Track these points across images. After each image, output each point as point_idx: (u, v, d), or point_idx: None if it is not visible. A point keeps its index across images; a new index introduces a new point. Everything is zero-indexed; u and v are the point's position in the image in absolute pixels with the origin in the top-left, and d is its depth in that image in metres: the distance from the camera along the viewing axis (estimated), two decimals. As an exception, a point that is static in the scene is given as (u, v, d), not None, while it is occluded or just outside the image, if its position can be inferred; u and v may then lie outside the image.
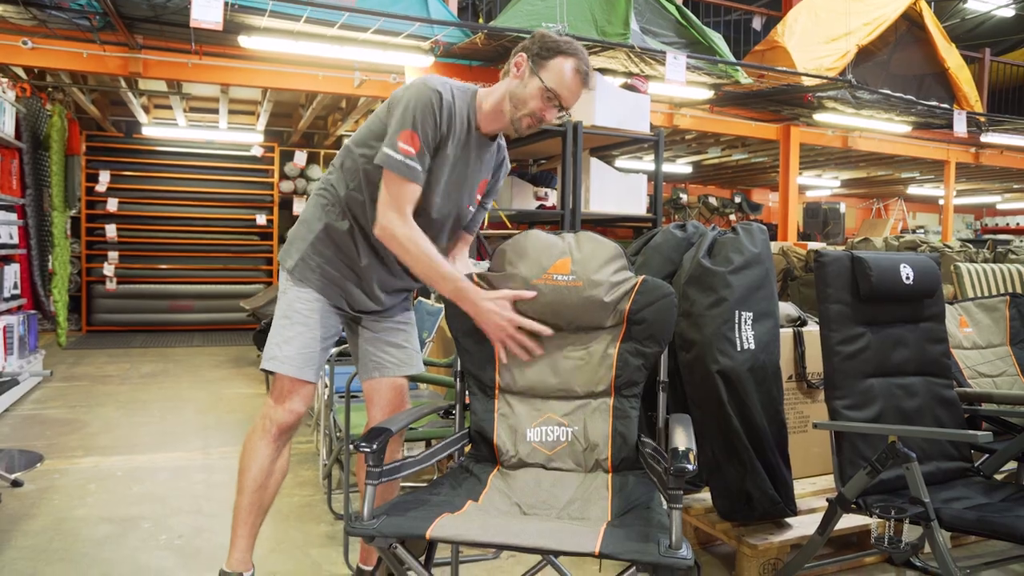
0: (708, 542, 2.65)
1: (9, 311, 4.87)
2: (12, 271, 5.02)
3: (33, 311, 5.34)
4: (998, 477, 2.22)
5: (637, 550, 1.35)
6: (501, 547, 1.38)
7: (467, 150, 1.87)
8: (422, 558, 1.58)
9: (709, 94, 5.87)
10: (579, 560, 2.46)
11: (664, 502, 1.47)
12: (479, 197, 2.02)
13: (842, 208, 12.19)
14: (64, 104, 6.41)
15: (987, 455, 2.32)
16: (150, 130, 7.50)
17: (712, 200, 11.59)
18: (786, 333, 2.86)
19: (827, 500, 2.04)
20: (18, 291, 5.16)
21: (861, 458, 1.98)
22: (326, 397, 2.95)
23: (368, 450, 1.51)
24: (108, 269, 7.66)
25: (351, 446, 2.08)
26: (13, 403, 4.47)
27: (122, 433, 3.89)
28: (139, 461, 3.43)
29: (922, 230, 14.39)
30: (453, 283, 1.79)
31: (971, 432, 1.64)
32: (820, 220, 11.98)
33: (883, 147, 8.46)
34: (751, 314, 2.44)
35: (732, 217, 11.59)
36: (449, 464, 2.31)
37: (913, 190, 12.90)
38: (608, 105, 4.46)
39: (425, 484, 1.94)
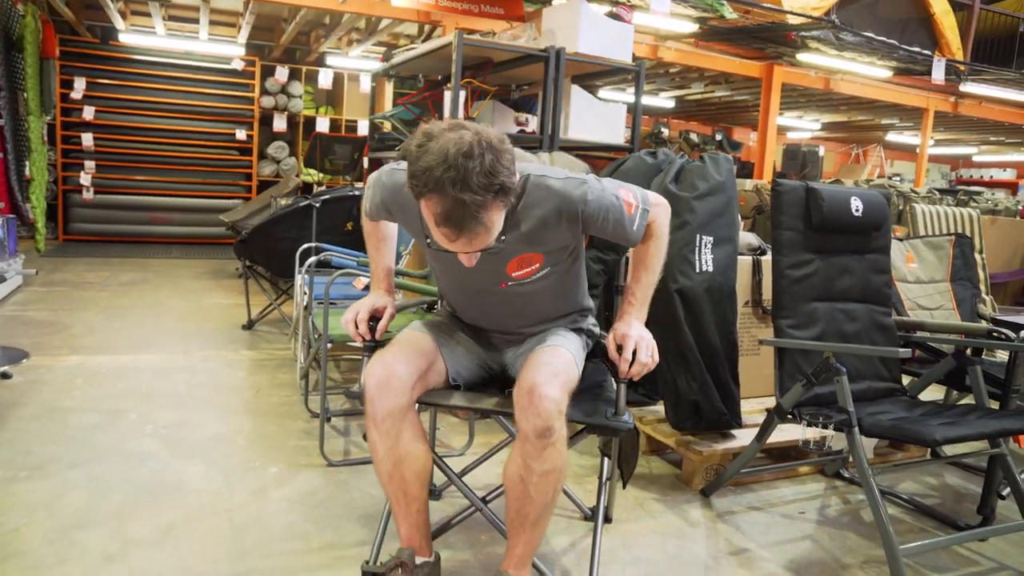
0: (660, 450, 2.86)
1: (-12, 214, 4.88)
2: (-10, 174, 5.01)
3: (11, 215, 5.35)
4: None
5: (588, 415, 1.57)
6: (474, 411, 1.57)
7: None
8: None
9: (694, 27, 5.88)
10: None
11: (614, 383, 1.66)
12: (530, 268, 1.70)
13: (821, 151, 12.26)
14: (37, 5, 6.24)
15: (915, 378, 2.53)
16: (127, 37, 7.33)
17: (693, 136, 11.63)
18: (746, 261, 3.02)
19: (765, 410, 2.23)
20: (-4, 194, 5.16)
21: (800, 373, 2.16)
22: (304, 304, 3.08)
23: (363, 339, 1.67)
24: (85, 179, 7.60)
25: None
26: (-5, 304, 4.55)
27: (105, 335, 4.01)
28: (123, 361, 3.56)
29: (898, 177, 14.57)
30: (372, 273, 1.89)
31: (893, 349, 1.82)
32: (798, 162, 12.08)
33: (864, 91, 8.53)
34: (711, 239, 2.59)
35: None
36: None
37: (892, 137, 13.03)
38: (592, 33, 4.49)
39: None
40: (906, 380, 2.50)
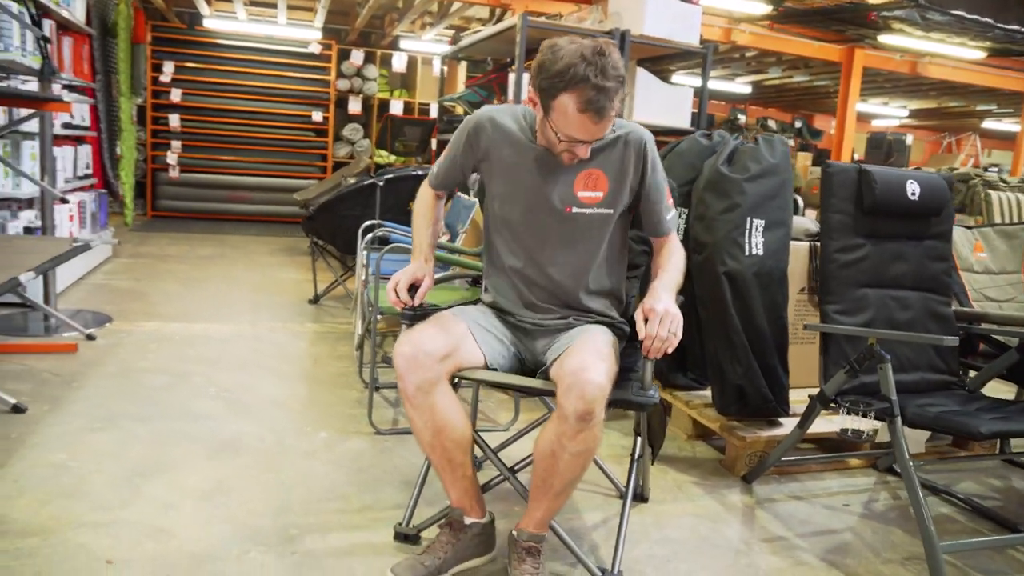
0: (706, 435, 2.84)
1: (83, 188, 5.22)
2: (85, 152, 5.35)
3: (103, 190, 5.70)
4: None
5: (617, 392, 1.60)
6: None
7: (528, 160, 1.78)
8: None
9: (767, 8, 5.71)
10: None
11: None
12: (595, 195, 1.79)
13: (908, 140, 11.72)
14: (131, -9, 6.58)
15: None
16: (211, 22, 7.66)
17: (771, 123, 11.29)
18: (802, 246, 2.94)
19: (808, 396, 2.19)
20: (90, 171, 5.50)
21: (845, 360, 2.11)
22: (363, 279, 3.19)
23: (403, 305, 1.77)
24: (171, 158, 8.00)
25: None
26: (87, 272, 4.87)
27: (181, 304, 4.24)
28: (195, 329, 3.77)
29: (995, 168, 13.76)
30: (415, 245, 1.94)
31: (936, 336, 1.75)
32: (883, 151, 11.56)
33: (956, 75, 8.08)
34: (763, 221, 2.54)
35: (790, 142, 11.30)
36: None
37: (990, 124, 12.31)
38: (658, 14, 4.42)
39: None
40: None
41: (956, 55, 7.05)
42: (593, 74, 1.55)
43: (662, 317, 1.57)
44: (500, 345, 1.85)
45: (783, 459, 2.55)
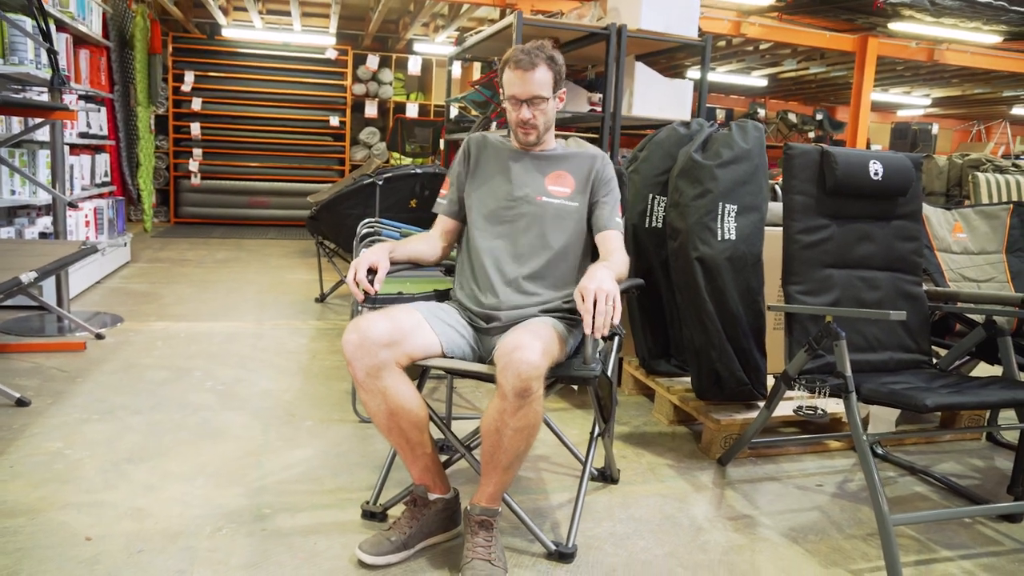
0: (688, 420, 2.87)
1: (100, 195, 5.41)
2: (103, 160, 5.55)
3: (121, 197, 5.90)
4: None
5: (559, 369, 1.69)
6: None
7: (505, 162, 2.06)
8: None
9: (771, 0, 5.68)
10: (561, 424, 2.73)
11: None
12: (564, 190, 2.03)
13: (934, 129, 11.50)
14: (148, 5, 6.80)
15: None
16: (229, 31, 7.86)
17: (791, 116, 11.17)
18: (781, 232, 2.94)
19: (773, 376, 2.21)
20: (108, 178, 5.70)
21: (807, 339, 2.12)
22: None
23: (363, 293, 1.82)
24: (193, 165, 8.23)
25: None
26: (104, 276, 5.05)
27: (191, 305, 4.38)
28: (200, 327, 3.89)
29: (1027, 156, 13.42)
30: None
31: (883, 312, 1.76)
32: (908, 141, 11.38)
33: (976, 61, 7.93)
34: (735, 207, 2.56)
35: (811, 135, 11.16)
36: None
37: (1020, 111, 12.02)
38: (655, 8, 4.45)
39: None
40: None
41: (972, 40, 6.92)
42: (521, 49, 1.94)
43: (596, 292, 1.61)
44: (460, 338, 1.92)
45: (761, 441, 2.57)
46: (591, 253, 2.06)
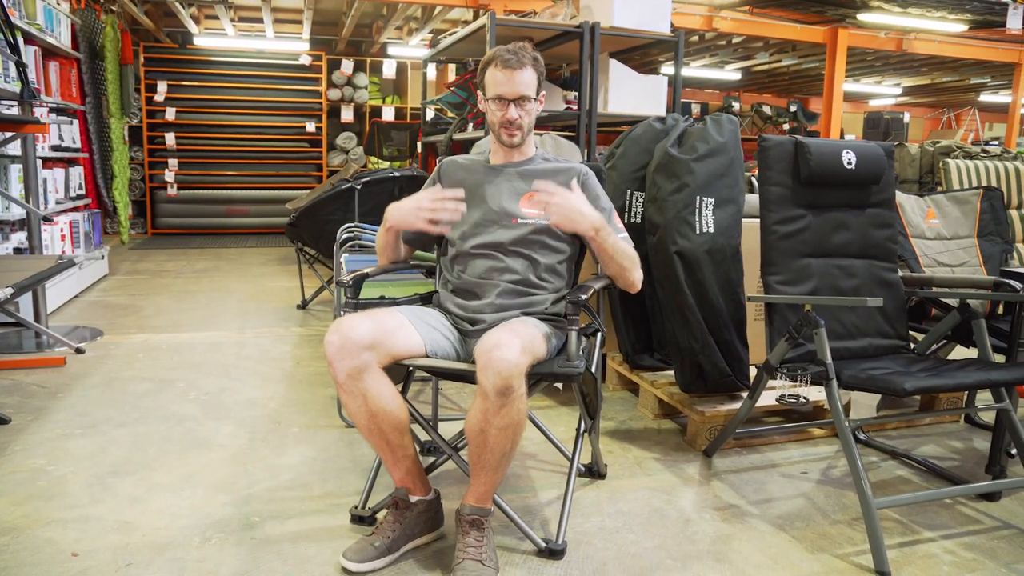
0: (673, 414, 2.89)
1: (75, 208, 5.35)
2: (77, 173, 5.48)
3: (97, 210, 5.83)
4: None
5: (542, 366, 1.69)
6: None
7: (481, 183, 2.05)
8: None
9: (742, -7, 5.73)
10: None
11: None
12: (537, 212, 2.00)
13: (906, 118, 11.65)
14: (118, 16, 6.73)
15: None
16: (201, 40, 7.80)
17: (766, 109, 11.27)
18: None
19: (755, 367, 2.23)
20: (83, 191, 5.64)
21: (788, 329, 2.15)
22: (339, 278, 3.26)
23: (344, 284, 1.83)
24: (169, 176, 8.15)
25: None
26: (82, 290, 4.99)
27: (171, 316, 4.35)
28: (182, 338, 3.87)
29: (996, 142, 13.63)
30: (382, 226, 2.04)
31: (860, 299, 1.79)
32: (881, 130, 11.52)
33: (944, 50, 8.06)
34: (712, 200, 2.59)
35: (785, 127, 11.27)
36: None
37: (987, 98, 12.22)
38: (628, 6, 4.47)
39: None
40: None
41: (940, 29, 7.03)
42: (507, 48, 1.95)
43: (568, 197, 1.83)
44: (444, 340, 1.92)
45: (745, 432, 2.60)
46: (578, 261, 2.11)
